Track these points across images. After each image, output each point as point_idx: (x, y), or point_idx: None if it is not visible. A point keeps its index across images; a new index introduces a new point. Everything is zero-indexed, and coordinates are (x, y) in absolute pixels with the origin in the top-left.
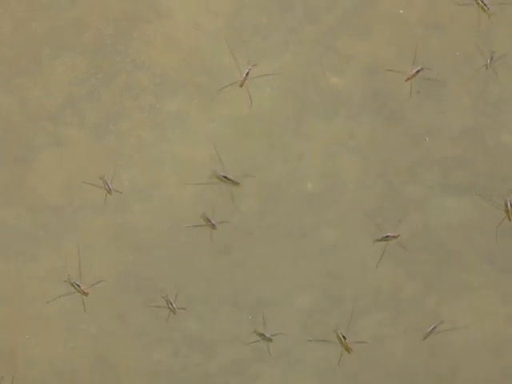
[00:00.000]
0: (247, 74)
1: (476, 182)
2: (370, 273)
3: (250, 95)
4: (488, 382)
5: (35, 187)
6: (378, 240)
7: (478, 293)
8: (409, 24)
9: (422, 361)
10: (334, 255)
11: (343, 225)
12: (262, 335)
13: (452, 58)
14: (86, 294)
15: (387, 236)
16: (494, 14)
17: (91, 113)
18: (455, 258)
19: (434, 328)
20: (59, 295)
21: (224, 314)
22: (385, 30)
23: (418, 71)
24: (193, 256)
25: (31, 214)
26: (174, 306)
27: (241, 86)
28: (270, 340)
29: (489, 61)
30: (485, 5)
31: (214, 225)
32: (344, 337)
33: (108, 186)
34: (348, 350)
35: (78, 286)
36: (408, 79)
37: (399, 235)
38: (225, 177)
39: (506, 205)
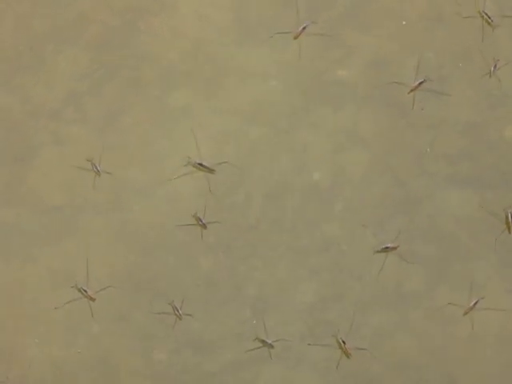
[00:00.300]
0: (304, 28)
1: (480, 175)
2: (374, 266)
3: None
4: (490, 377)
5: (36, 186)
6: (378, 251)
7: (483, 285)
8: (412, 18)
9: (429, 357)
10: (338, 249)
11: (348, 218)
12: (263, 342)
13: (456, 53)
14: (93, 299)
15: (387, 247)
16: (498, 27)
17: (93, 108)
18: (461, 250)
19: (476, 303)
20: (65, 301)
21: (225, 313)
22: (389, 24)
23: (420, 83)
24: (194, 253)
25: (31, 213)
26: (181, 312)
27: (295, 38)
28: (271, 346)
29: (492, 69)
30: (489, 17)
31: (204, 224)
32: (344, 342)
33: (96, 168)
34: (347, 354)
35: (85, 291)
36: (411, 91)
37: (398, 246)
38: (200, 164)
39: (507, 217)
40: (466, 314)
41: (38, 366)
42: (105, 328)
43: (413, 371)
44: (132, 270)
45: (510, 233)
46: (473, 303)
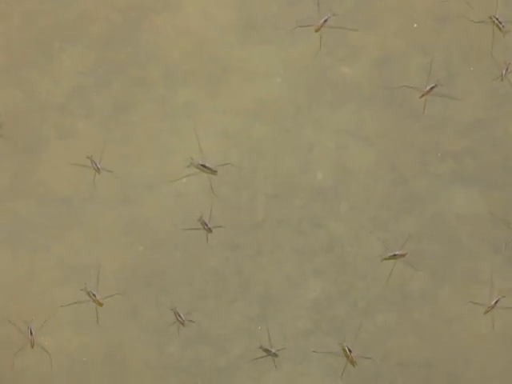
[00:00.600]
0: (325, 21)
1: (486, 173)
2: (379, 265)
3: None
4: (494, 376)
5: (44, 179)
6: (386, 259)
7: (487, 284)
8: (419, 16)
9: (433, 354)
10: (343, 248)
11: (352, 217)
12: (267, 351)
13: (462, 51)
14: (100, 304)
15: (395, 254)
16: (509, 32)
17: (100, 104)
18: (465, 249)
19: (497, 302)
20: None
21: (233, 309)
22: (395, 21)
23: (432, 88)
24: (202, 248)
25: (40, 205)
26: (183, 317)
27: (316, 31)
28: (275, 355)
29: (504, 72)
30: (500, 23)
31: (210, 229)
32: (350, 350)
33: (96, 165)
34: (353, 363)
35: (94, 295)
36: (422, 95)
37: (407, 253)
38: (203, 165)
39: None
40: (486, 312)
41: (48, 359)
42: (115, 321)
43: (418, 369)
44: (141, 263)
45: None
46: (494, 302)
